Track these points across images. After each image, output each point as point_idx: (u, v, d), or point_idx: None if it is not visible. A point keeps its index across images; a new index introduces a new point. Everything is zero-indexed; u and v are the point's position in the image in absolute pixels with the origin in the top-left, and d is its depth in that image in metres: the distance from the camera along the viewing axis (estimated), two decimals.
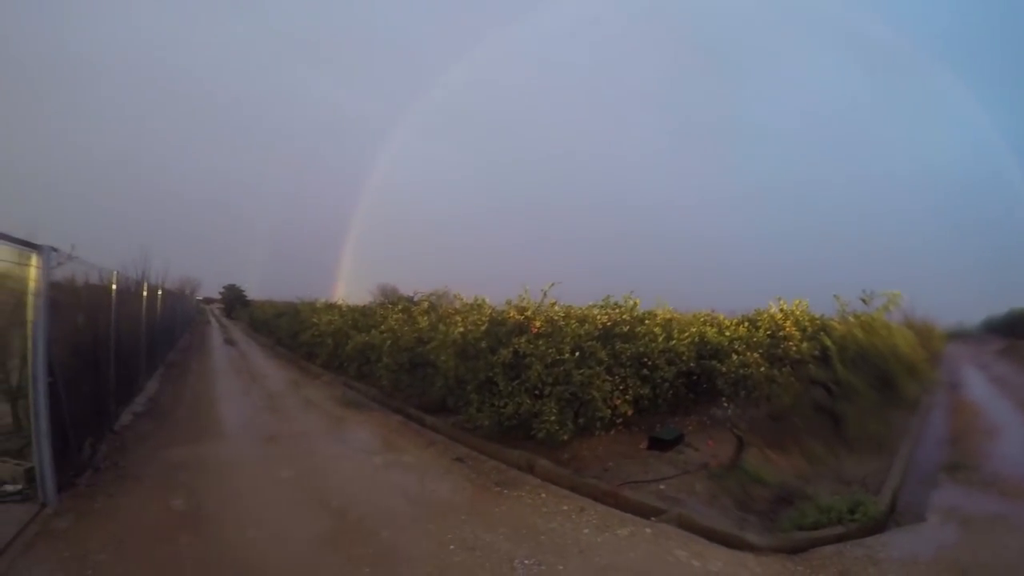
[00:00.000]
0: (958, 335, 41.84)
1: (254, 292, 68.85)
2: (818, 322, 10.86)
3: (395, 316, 14.37)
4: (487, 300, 10.11)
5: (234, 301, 68.68)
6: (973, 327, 49.28)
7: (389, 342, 12.40)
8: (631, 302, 10.25)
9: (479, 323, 9.17)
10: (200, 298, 68.68)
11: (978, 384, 18.07)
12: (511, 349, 8.38)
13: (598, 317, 9.61)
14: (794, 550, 5.37)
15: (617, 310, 10.06)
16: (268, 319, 32.02)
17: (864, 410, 9.24)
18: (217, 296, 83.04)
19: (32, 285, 5.50)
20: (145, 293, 13.89)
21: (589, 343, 8.48)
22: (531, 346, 8.30)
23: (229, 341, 31.79)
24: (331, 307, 22.24)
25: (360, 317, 18.12)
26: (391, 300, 22.37)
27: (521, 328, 8.80)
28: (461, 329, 9.25)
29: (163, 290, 19.05)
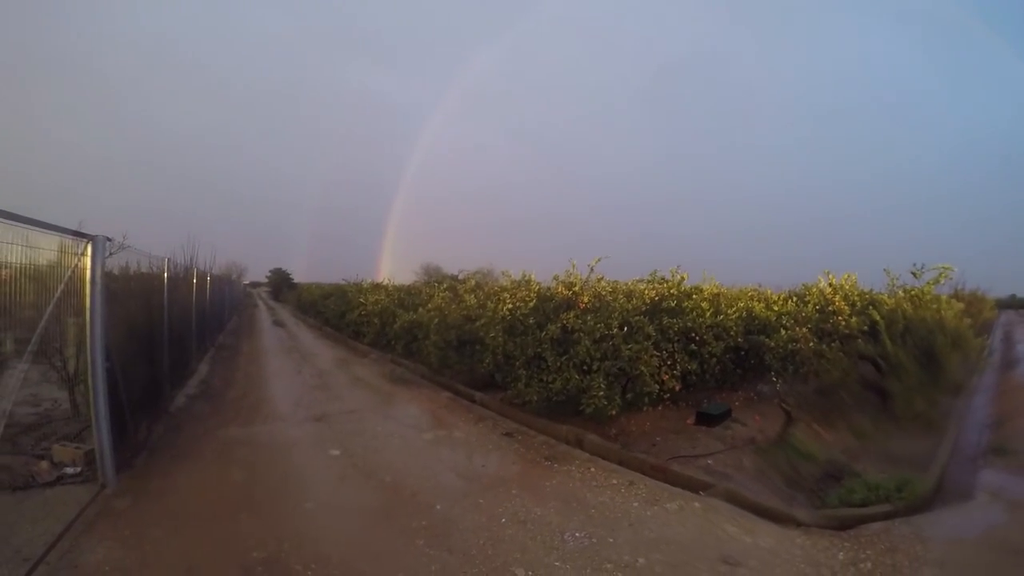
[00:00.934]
0: (1010, 305, 41.46)
1: (300, 275, 70.18)
2: (867, 296, 10.69)
3: (441, 294, 14.49)
4: (534, 276, 10.11)
5: (281, 284, 69.98)
6: None
7: (436, 320, 12.46)
8: (678, 276, 10.16)
9: (527, 299, 9.20)
10: (247, 282, 69.89)
11: None
12: (559, 325, 8.39)
13: (645, 292, 9.57)
14: (842, 527, 5.39)
15: (664, 285, 9.99)
16: (315, 300, 32.22)
17: (912, 387, 9.13)
18: (264, 280, 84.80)
19: (87, 274, 5.58)
20: (195, 279, 14.12)
21: (636, 318, 8.42)
22: (579, 321, 8.29)
23: (277, 323, 31.95)
24: (377, 287, 22.39)
25: (406, 296, 18.31)
26: (436, 279, 22.52)
27: (569, 304, 8.81)
28: (510, 306, 9.28)
29: (211, 275, 19.33)
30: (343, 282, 28.04)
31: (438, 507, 5.61)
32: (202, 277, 16.08)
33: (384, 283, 23.51)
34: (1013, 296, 46.17)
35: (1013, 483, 6.68)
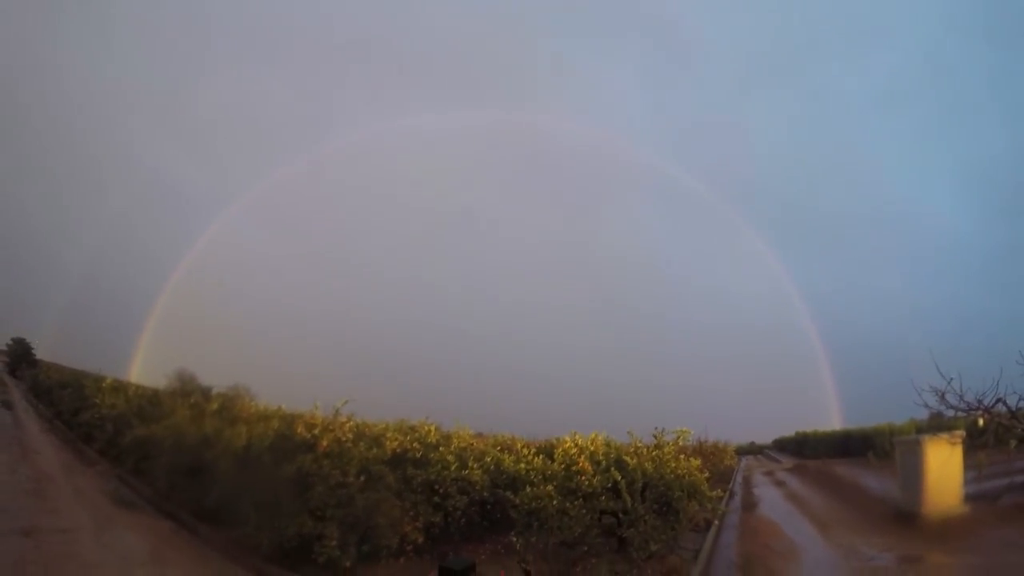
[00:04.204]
0: (750, 451, 48.06)
1: (45, 351, 61.85)
2: (612, 455, 11.25)
3: (183, 412, 13.25)
4: (281, 408, 9.73)
5: (20, 358, 61.25)
6: (765, 444, 55.69)
7: (171, 440, 11.43)
8: (427, 428, 10.18)
9: (264, 436, 8.83)
10: None
11: (769, 500, 19.25)
12: (295, 467, 8.06)
13: (389, 442, 9.48)
14: None
15: (412, 434, 10.01)
16: (51, 387, 28.58)
17: (647, 533, 9.56)
18: (4, 348, 74.00)
19: None
20: None
21: (377, 467, 8.34)
22: (316, 465, 8.02)
23: (5, 404, 28.49)
24: (117, 389, 20.11)
25: (147, 405, 16.54)
26: (187, 388, 20.81)
27: (308, 445, 8.51)
28: (244, 442, 8.89)
29: None
30: (84, 371, 25.27)
31: None
32: None
33: (127, 384, 21.31)
34: (752, 443, 53.26)
35: None
